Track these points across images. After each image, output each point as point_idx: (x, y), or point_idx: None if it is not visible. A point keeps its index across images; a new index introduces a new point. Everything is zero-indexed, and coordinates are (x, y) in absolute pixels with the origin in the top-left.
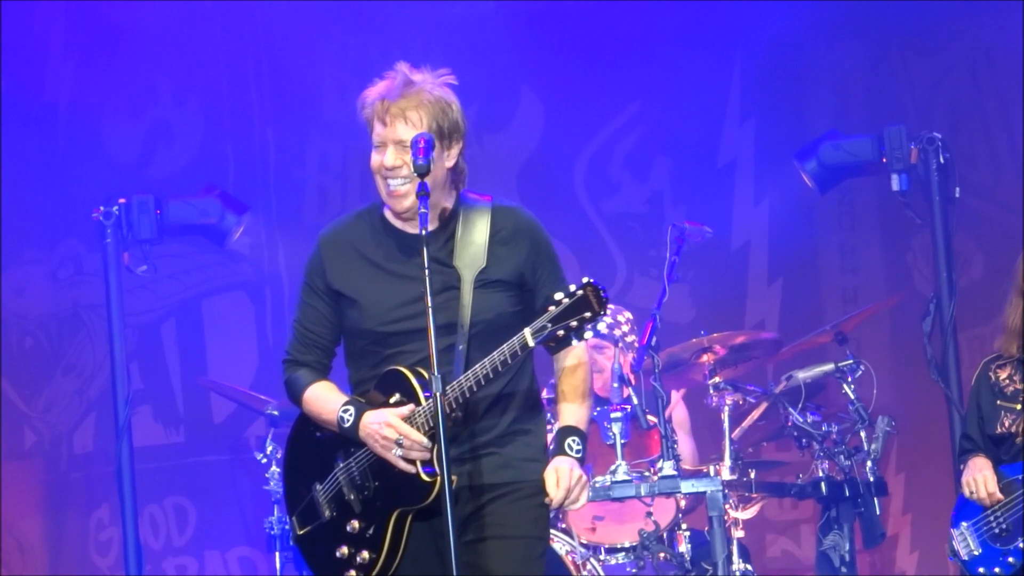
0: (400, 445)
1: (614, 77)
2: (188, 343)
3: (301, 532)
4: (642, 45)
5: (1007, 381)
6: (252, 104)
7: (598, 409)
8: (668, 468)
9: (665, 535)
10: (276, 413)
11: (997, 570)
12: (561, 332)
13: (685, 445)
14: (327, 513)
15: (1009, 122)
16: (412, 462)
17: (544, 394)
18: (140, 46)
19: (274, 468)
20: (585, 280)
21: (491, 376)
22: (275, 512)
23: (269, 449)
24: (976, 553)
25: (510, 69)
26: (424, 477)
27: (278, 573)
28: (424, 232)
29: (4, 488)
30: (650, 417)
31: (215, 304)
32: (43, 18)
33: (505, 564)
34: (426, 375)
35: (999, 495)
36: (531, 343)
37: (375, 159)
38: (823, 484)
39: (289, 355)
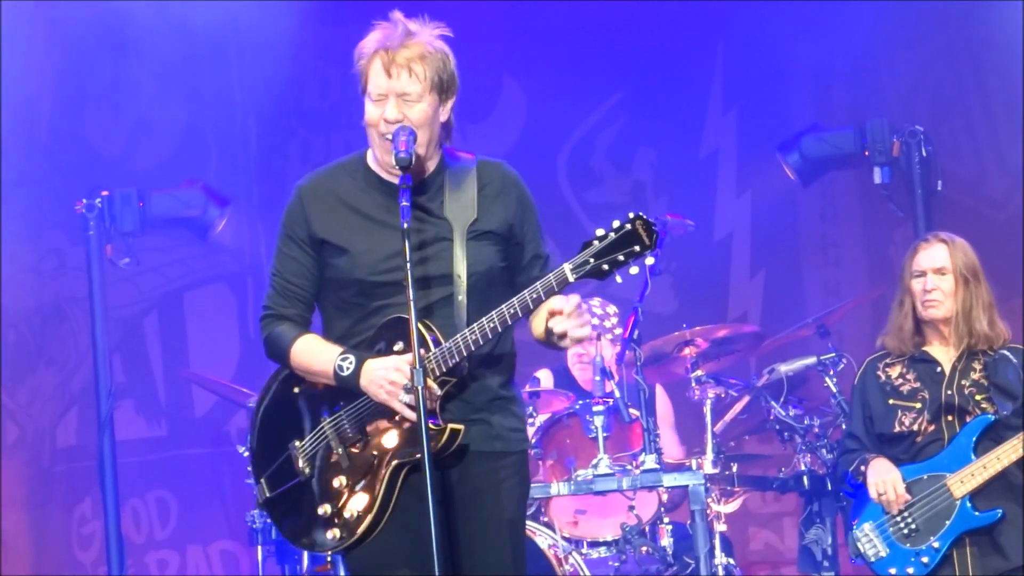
0: (408, 391)
1: (596, 67)
2: (170, 336)
3: (271, 494)
4: (624, 36)
5: (900, 380)
6: (234, 96)
7: (580, 403)
8: (650, 461)
9: (647, 529)
10: None
11: (910, 570)
12: (606, 267)
13: (669, 440)
14: (306, 470)
15: (991, 116)
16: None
17: (527, 388)
18: (122, 39)
19: None
20: (632, 215)
21: (519, 315)
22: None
23: None
24: (883, 554)
25: (492, 59)
26: (429, 425)
27: (260, 567)
28: (406, 225)
29: None
30: (632, 410)
31: (197, 297)
32: (27, 12)
33: (493, 549)
34: (433, 326)
35: (907, 496)
36: (571, 278)
37: (372, 112)
38: (805, 478)
39: (270, 309)
